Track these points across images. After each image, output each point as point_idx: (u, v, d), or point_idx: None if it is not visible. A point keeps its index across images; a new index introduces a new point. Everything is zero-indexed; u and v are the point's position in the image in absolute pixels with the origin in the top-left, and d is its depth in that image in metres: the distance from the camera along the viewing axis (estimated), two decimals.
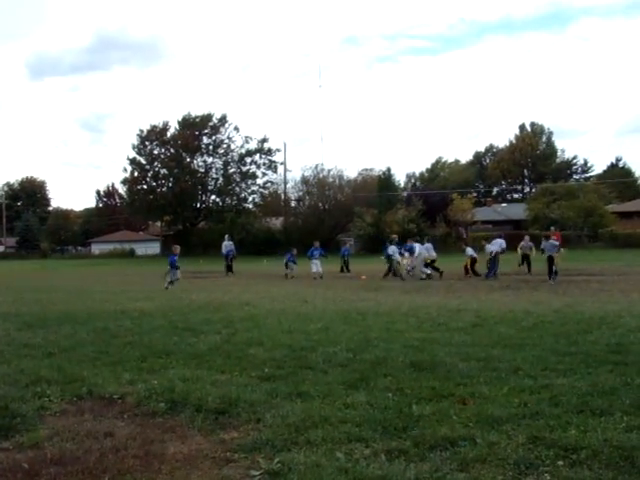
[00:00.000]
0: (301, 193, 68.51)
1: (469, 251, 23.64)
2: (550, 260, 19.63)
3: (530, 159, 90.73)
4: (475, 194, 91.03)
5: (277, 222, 68.21)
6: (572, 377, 5.80)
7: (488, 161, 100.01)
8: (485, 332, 8.70)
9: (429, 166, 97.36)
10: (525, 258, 23.81)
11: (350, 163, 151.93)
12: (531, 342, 7.74)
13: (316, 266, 23.85)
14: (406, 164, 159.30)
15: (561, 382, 5.61)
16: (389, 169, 64.99)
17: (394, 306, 12.62)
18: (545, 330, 8.74)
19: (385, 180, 63.05)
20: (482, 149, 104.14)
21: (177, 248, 19.91)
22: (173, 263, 18.97)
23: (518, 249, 24.45)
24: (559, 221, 53.32)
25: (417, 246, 23.22)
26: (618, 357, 6.68)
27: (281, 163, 69.63)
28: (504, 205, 76.93)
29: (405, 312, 11.43)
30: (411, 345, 7.71)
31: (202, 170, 70.09)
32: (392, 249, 23.50)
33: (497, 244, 22.83)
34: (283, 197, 69.59)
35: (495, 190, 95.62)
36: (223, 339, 8.49)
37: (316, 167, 66.99)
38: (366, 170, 69.51)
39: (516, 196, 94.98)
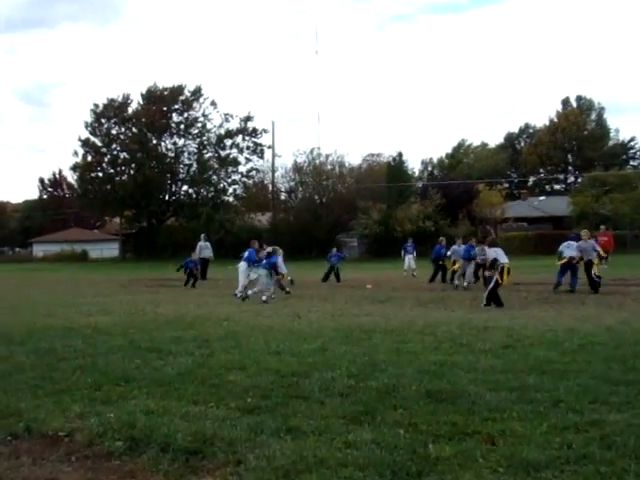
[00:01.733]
0: (293, 183, 68.67)
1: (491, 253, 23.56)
2: (588, 266, 19.76)
3: (575, 141, 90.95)
4: (507, 185, 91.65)
5: (263, 218, 68.39)
6: (629, 412, 5.83)
7: (523, 144, 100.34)
8: (519, 355, 8.75)
9: (450, 151, 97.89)
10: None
11: (353, 147, 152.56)
12: (576, 368, 7.77)
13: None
14: (421, 149, 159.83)
15: (614, 418, 5.63)
16: (400, 154, 65.08)
17: (406, 322, 12.68)
18: (594, 353, 8.79)
19: (396, 168, 63.27)
20: (516, 129, 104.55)
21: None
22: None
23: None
24: (611, 218, 53.57)
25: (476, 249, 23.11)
26: None
27: (268, 147, 69.82)
28: (542, 198, 77.15)
29: (420, 329, 11.49)
30: (427, 370, 7.73)
31: (171, 154, 70.35)
32: (455, 249, 24.17)
33: (572, 247, 21.78)
34: (271, 188, 69.73)
35: (531, 180, 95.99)
36: (196, 362, 8.50)
37: (311, 152, 67.18)
38: (372, 156, 69.84)
39: (557, 187, 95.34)
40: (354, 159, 75.46)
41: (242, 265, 20.36)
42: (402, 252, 31.60)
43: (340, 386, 6.93)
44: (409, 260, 30.87)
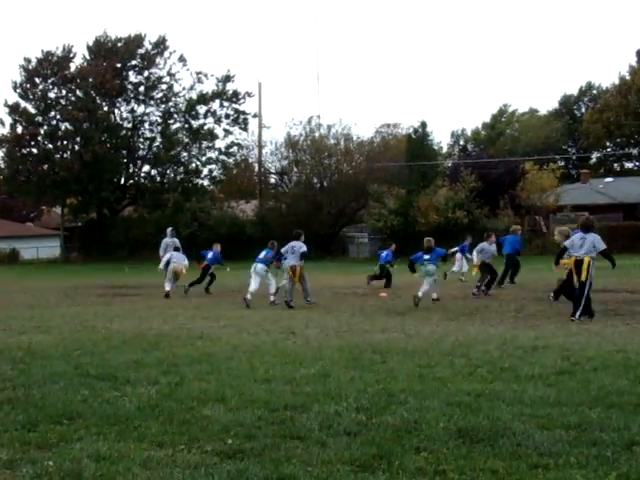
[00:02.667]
0: (286, 163, 68.76)
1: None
2: None
3: None
4: (562, 163, 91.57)
5: (248, 208, 68.40)
6: None
7: (584, 110, 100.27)
8: (578, 383, 8.78)
9: (488, 120, 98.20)
10: None
11: (363, 117, 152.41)
12: None
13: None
14: (451, 117, 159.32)
15: None
16: (424, 125, 64.65)
17: (432, 340, 12.77)
18: None
19: (418, 142, 63.12)
20: (574, 91, 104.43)
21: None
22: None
23: None
24: None
25: None
26: None
27: (254, 115, 70.02)
28: (609, 180, 76.98)
29: (449, 350, 11.56)
30: (459, 402, 7.76)
31: (128, 125, 70.35)
32: (485, 248, 25.23)
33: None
34: (257, 169, 69.85)
35: (595, 156, 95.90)
36: (162, 393, 8.54)
37: (309, 122, 67.28)
38: (388, 127, 69.87)
39: (630, 165, 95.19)
40: (364, 131, 75.62)
41: (260, 267, 22.46)
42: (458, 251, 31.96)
43: (346, 423, 6.96)
44: (461, 261, 31.32)
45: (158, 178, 70.65)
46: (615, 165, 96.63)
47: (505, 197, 58.58)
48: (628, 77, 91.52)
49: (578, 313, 15.93)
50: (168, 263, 26.22)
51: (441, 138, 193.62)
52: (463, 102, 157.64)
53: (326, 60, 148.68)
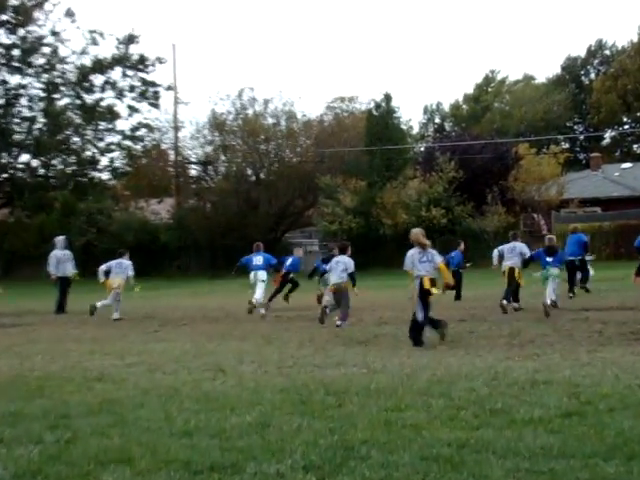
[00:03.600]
0: (210, 149, 68.66)
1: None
2: None
3: None
4: (566, 145, 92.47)
5: (162, 208, 68.08)
6: None
7: (593, 77, 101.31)
8: (589, 428, 8.83)
9: (471, 91, 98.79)
10: None
11: (310, 88, 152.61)
12: None
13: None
14: (423, 88, 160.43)
15: None
16: (388, 98, 64.88)
17: (402, 376, 12.83)
18: None
19: (381, 121, 63.37)
20: (581, 52, 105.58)
21: None
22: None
23: None
24: None
25: None
26: None
27: (168, 88, 69.70)
28: (627, 166, 77.91)
29: (425, 388, 11.61)
30: (436, 455, 7.80)
31: None
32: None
33: None
34: (174, 158, 69.63)
35: (608, 135, 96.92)
36: (47, 454, 8.45)
37: (240, 96, 67.17)
38: (342, 101, 69.90)
39: None
40: (312, 108, 75.15)
41: (262, 274, 26.26)
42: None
43: None
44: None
45: (41, 171, 69.78)
46: (635, 147, 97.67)
47: (494, 190, 59.03)
48: None
49: None
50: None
51: (411, 115, 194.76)
52: (439, 69, 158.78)
53: (261, 17, 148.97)
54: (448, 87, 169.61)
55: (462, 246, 31.60)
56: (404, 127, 71.14)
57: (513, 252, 25.57)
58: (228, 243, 59.57)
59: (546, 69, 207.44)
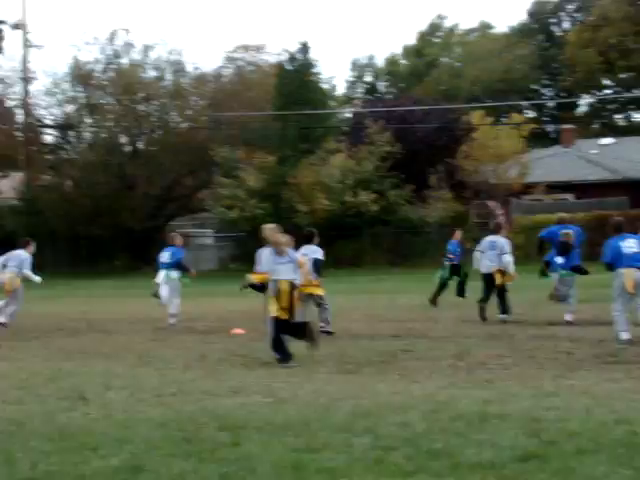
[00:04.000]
0: (72, 109, 68.11)
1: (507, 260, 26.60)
2: None
3: None
4: (532, 113, 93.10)
5: (6, 186, 67.39)
6: None
7: (568, 26, 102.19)
8: (553, 475, 8.90)
9: (413, 42, 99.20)
10: None
11: (204, 34, 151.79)
12: None
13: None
14: (350, 38, 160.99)
15: None
16: (305, 48, 64.99)
17: (317, 407, 12.86)
18: None
19: (296, 78, 63.31)
20: None
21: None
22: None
23: None
24: None
25: None
26: None
27: (15, 27, 68.93)
28: (607, 142, 78.77)
29: (345, 423, 11.65)
30: None
31: None
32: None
33: None
34: (23, 119, 69.01)
35: (585, 102, 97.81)
36: None
37: (111, 39, 66.71)
38: (246, 51, 69.73)
39: (638, 117, 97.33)
40: (207, 60, 74.52)
41: (171, 274, 26.82)
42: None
43: None
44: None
45: None
46: (617, 117, 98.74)
47: (439, 170, 59.25)
48: None
49: None
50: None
51: (335, 72, 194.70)
52: (372, 14, 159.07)
53: None
54: (383, 37, 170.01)
55: (458, 234, 32.78)
56: (326, 86, 71.35)
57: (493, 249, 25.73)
58: (94, 233, 59.30)
59: (508, 16, 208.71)
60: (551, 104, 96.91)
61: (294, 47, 63.38)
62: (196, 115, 65.02)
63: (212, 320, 27.77)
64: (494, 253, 27.03)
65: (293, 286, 18.42)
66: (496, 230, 28.29)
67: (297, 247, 22.51)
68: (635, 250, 20.51)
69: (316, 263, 23.14)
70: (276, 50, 68.33)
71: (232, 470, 9.24)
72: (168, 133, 64.56)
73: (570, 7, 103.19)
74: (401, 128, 60.11)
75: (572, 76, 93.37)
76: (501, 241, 27.33)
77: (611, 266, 20.26)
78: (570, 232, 24.55)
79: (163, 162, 63.06)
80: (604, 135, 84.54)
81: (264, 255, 19.57)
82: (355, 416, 12.06)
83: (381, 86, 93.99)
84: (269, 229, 19.15)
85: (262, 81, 65.82)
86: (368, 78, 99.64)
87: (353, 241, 54.41)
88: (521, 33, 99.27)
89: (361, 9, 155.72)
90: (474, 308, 27.00)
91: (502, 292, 26.72)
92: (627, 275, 20.19)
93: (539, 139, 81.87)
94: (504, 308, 26.55)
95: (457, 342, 20.90)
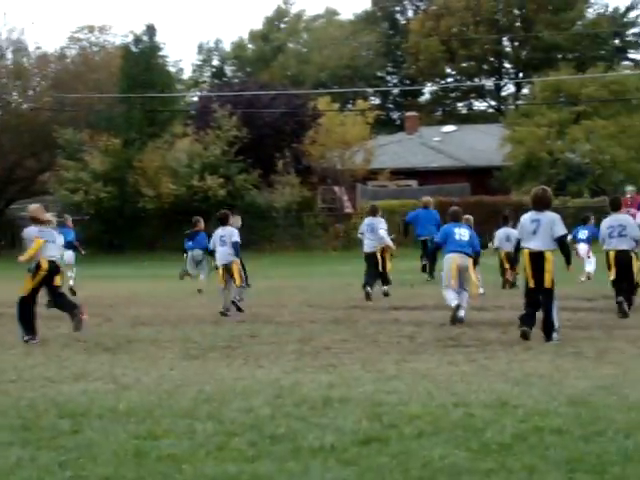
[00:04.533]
0: None
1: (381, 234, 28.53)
2: (622, 260, 21.76)
3: (521, 9, 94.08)
4: (377, 100, 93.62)
5: None
6: None
7: (411, 15, 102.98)
8: (392, 458, 8.96)
9: (259, 27, 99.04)
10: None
11: (45, 12, 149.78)
12: None
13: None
14: (197, 21, 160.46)
15: None
16: (151, 30, 64.79)
17: (160, 393, 12.81)
18: (544, 452, 9.17)
19: (142, 60, 63.12)
20: None
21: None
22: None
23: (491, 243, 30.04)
24: (587, 172, 56.65)
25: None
26: None
27: None
28: (450, 129, 79.53)
29: (189, 409, 11.62)
30: None
31: None
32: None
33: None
34: None
35: (428, 90, 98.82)
36: None
37: None
38: (91, 32, 69.31)
39: (482, 107, 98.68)
40: (49, 39, 73.51)
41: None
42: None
43: None
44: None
45: None
46: (459, 105, 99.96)
47: (286, 155, 59.42)
48: None
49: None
50: None
51: (182, 55, 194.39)
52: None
53: None
54: (230, 21, 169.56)
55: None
56: (172, 69, 71.29)
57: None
58: None
59: (354, 3, 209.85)
60: (395, 91, 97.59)
61: (140, 29, 63.22)
62: (38, 96, 64.40)
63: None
64: (374, 234, 28.51)
65: (55, 265, 19.38)
66: (373, 212, 29.52)
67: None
68: (465, 239, 21.75)
69: (235, 245, 24.79)
70: (122, 32, 68.04)
71: (71, 457, 9.14)
72: (9, 114, 63.86)
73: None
74: (248, 113, 60.07)
75: (415, 64, 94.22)
76: (378, 220, 28.99)
77: (439, 246, 22.78)
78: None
79: (3, 143, 62.41)
80: (446, 123, 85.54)
81: (32, 233, 19.74)
82: (199, 402, 12.02)
83: (228, 70, 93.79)
84: (33, 209, 19.59)
85: (107, 63, 65.50)
86: (215, 62, 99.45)
87: (205, 225, 54.51)
88: (366, 21, 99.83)
89: None
90: (320, 293, 27.32)
91: (384, 267, 28.35)
92: (453, 259, 21.44)
93: (384, 126, 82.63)
94: (385, 280, 28.40)
95: (302, 327, 20.93)
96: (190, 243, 34.38)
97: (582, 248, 31.89)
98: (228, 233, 25.08)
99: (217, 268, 26.04)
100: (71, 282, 30.35)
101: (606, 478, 8.18)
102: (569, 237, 20.07)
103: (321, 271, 30.69)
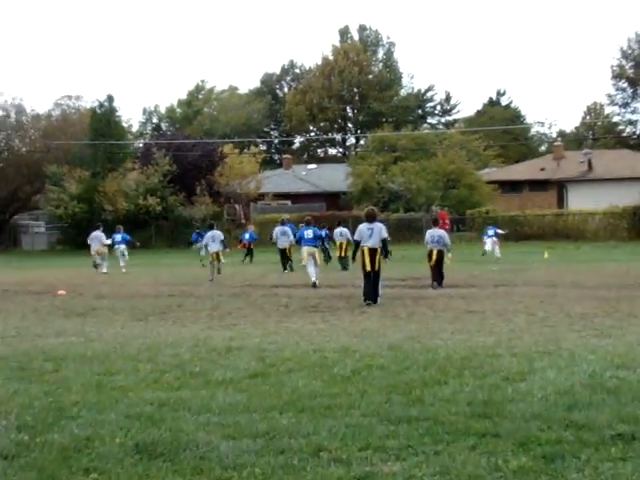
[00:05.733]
0: None
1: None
2: (437, 257, 23.07)
3: (358, 89, 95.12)
4: (264, 147, 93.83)
5: None
6: (410, 460, 6.14)
7: (287, 90, 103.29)
8: (270, 387, 9.00)
9: (185, 96, 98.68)
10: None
11: (37, 86, 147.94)
12: (346, 402, 8.11)
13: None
14: (142, 92, 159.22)
15: (390, 470, 5.90)
16: (110, 98, 64.78)
17: (116, 344, 12.68)
18: (372, 381, 9.24)
19: (103, 118, 62.86)
20: (276, 70, 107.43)
21: None
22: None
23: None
24: (402, 195, 57.49)
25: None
26: (486, 424, 7.16)
27: None
28: (312, 167, 80.00)
29: (134, 354, 11.54)
30: (139, 414, 7.75)
31: None
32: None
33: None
34: None
35: (298, 141, 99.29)
36: None
37: None
38: (69, 99, 69.03)
39: (333, 152, 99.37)
40: (41, 104, 73.54)
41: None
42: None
43: (4, 444, 6.67)
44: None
45: None
46: (319, 151, 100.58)
47: (202, 183, 59.59)
48: (331, 57, 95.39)
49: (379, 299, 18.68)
50: None
51: (131, 115, 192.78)
52: (156, 75, 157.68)
53: None
54: (164, 92, 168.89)
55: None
56: (125, 125, 71.18)
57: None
58: None
59: (248, 81, 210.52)
60: (276, 141, 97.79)
61: (102, 97, 63.58)
62: (33, 142, 64.05)
63: (44, 285, 26.91)
64: (285, 237, 31.80)
65: None
66: (282, 223, 33.44)
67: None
68: (311, 236, 25.76)
69: (223, 242, 29.70)
70: (90, 99, 68.17)
71: (53, 389, 9.05)
72: (12, 154, 63.48)
73: (288, 77, 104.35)
74: (177, 154, 60.14)
75: (289, 123, 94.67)
76: (286, 228, 32.48)
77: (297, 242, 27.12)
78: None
79: (8, 174, 62.12)
80: (310, 162, 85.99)
81: None
82: (141, 350, 11.94)
83: (163, 126, 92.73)
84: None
85: (80, 120, 65.19)
86: (155, 120, 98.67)
87: (144, 231, 53.90)
88: (257, 93, 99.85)
89: (149, 71, 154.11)
90: (224, 276, 27.52)
91: (288, 258, 32.35)
92: (305, 249, 24.96)
93: (269, 164, 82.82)
94: (290, 267, 32.25)
95: (212, 299, 20.82)
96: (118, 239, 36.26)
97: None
98: (217, 234, 29.47)
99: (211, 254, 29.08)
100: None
101: (411, 397, 8.25)
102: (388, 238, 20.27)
103: (226, 262, 30.60)
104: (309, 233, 26.15)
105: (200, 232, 39.22)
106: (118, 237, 36.32)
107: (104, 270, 33.78)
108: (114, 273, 33.07)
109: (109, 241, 35.54)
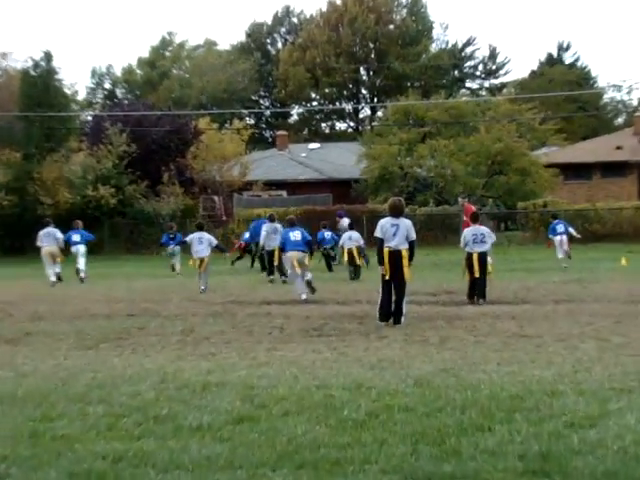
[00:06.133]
0: None
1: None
2: (480, 263, 22.86)
3: (374, 43, 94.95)
4: (251, 120, 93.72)
5: None
6: None
7: (280, 46, 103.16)
8: (261, 435, 8.99)
9: (147, 54, 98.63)
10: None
11: None
12: (360, 455, 8.11)
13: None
14: (90, 49, 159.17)
15: None
16: (49, 56, 64.45)
17: (56, 380, 12.61)
18: (393, 427, 9.21)
19: (40, 83, 62.70)
20: (267, 19, 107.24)
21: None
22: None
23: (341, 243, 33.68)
24: (432, 183, 57.44)
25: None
26: None
27: None
28: (314, 146, 79.90)
29: (81, 394, 11.50)
30: (88, 471, 7.76)
31: None
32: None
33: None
34: None
35: (296, 112, 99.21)
36: None
37: None
38: None
39: (342, 127, 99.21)
40: None
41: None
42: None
43: None
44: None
45: None
46: (323, 125, 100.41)
47: (171, 168, 59.34)
48: (339, 1, 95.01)
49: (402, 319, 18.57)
50: None
51: (77, 78, 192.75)
52: (110, 27, 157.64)
53: None
54: (120, 48, 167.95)
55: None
56: (68, 91, 70.70)
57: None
58: None
59: (230, 35, 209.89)
60: (267, 113, 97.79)
61: (38, 55, 62.74)
62: None
63: None
64: (276, 237, 30.83)
65: None
66: (271, 219, 33.39)
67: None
68: (298, 239, 25.64)
69: (218, 245, 31.05)
70: (22, 57, 67.67)
71: None
72: None
73: (282, 29, 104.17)
74: (137, 130, 59.88)
75: (285, 89, 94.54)
76: (278, 225, 32.31)
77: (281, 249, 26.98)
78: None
79: None
80: (312, 140, 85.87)
81: None
82: (91, 388, 11.90)
83: (119, 93, 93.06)
84: None
85: (8, 84, 64.91)
86: (107, 85, 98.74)
87: (94, 231, 53.93)
88: (241, 50, 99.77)
89: (100, 23, 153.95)
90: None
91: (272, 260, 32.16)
92: (291, 255, 25.27)
93: (257, 143, 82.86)
94: (279, 272, 31.89)
95: (185, 320, 20.79)
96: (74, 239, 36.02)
97: None
98: (206, 237, 29.88)
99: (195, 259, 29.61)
100: None
101: (444, 448, 8.27)
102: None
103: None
104: (296, 235, 26.08)
105: (173, 234, 39.57)
106: (76, 236, 35.54)
107: (52, 279, 33.08)
108: (62, 285, 32.89)
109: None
